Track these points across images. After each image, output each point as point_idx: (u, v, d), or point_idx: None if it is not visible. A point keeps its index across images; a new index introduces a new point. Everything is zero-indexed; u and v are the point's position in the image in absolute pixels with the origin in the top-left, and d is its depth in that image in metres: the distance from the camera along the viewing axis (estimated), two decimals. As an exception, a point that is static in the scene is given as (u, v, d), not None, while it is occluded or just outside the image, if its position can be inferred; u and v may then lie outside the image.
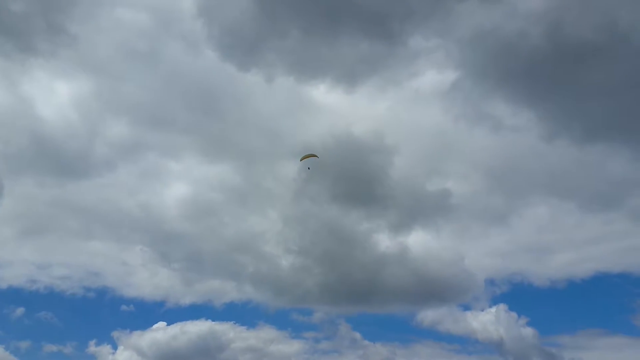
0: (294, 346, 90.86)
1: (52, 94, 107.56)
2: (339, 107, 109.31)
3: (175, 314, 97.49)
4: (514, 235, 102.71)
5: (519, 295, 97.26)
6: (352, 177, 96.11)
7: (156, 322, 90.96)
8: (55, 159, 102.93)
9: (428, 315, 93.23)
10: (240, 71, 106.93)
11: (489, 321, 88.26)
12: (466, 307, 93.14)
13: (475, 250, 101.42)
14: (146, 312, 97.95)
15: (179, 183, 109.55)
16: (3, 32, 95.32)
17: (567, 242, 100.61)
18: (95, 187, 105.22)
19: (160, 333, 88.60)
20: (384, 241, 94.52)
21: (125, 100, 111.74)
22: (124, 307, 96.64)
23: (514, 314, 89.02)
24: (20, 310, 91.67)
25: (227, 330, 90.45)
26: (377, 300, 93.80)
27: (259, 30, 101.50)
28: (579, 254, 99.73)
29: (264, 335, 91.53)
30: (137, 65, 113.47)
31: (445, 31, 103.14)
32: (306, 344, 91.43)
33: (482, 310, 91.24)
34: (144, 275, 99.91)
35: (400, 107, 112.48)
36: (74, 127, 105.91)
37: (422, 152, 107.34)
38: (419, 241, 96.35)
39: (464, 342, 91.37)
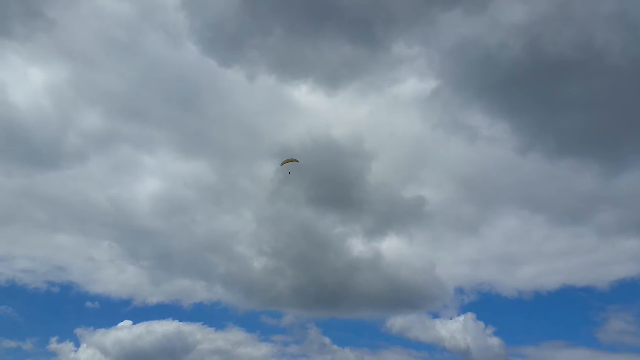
0: (262, 349, 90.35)
1: (26, 79, 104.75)
2: (319, 109, 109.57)
3: (142, 313, 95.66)
4: (484, 245, 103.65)
5: (486, 305, 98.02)
6: (329, 180, 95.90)
7: (121, 321, 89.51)
8: (25, 147, 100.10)
9: (397, 322, 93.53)
10: (221, 67, 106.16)
11: (456, 329, 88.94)
12: (435, 315, 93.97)
13: (447, 258, 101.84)
14: (111, 310, 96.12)
15: (152, 178, 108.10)
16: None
17: (535, 254, 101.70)
18: (64, 179, 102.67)
19: (125, 332, 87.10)
20: (358, 246, 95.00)
21: (101, 89, 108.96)
22: (88, 304, 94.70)
23: (481, 323, 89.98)
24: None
25: (194, 331, 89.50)
26: (347, 305, 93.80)
27: (241, 26, 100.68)
28: (547, 266, 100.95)
29: (232, 337, 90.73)
30: (116, 55, 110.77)
31: (427, 39, 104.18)
32: (274, 347, 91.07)
33: (451, 319, 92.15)
34: (110, 272, 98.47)
35: (380, 112, 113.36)
36: (46, 115, 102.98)
37: (400, 159, 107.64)
38: (392, 247, 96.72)
39: (432, 349, 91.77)
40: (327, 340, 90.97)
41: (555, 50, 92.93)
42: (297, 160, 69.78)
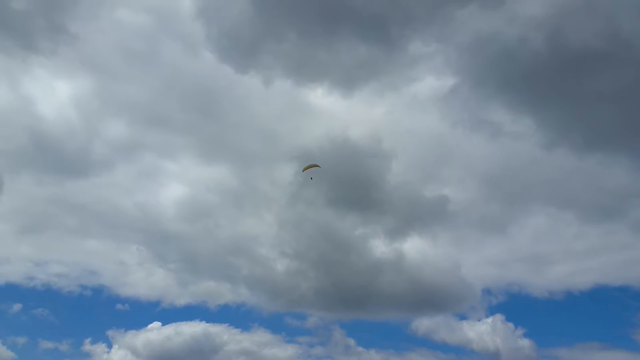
0: (288, 350, 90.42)
1: (52, 92, 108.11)
2: (336, 111, 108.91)
3: (170, 315, 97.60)
4: (511, 245, 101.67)
5: (516, 306, 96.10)
6: (349, 181, 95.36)
7: (151, 322, 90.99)
8: (54, 157, 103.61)
9: (423, 324, 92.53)
10: (237, 73, 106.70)
11: (485, 331, 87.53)
12: (462, 317, 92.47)
13: (472, 258, 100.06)
14: (141, 312, 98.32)
15: (176, 184, 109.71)
16: (4, 29, 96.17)
17: (565, 253, 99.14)
18: (93, 186, 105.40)
19: (155, 333, 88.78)
20: (380, 247, 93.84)
21: (123, 99, 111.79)
22: (119, 306, 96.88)
23: (510, 325, 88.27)
24: (17, 307, 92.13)
25: (221, 333, 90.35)
26: (372, 306, 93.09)
27: (256, 32, 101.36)
28: (578, 265, 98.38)
29: (257, 339, 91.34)
30: (136, 65, 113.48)
31: (444, 37, 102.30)
32: (300, 348, 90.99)
33: (479, 320, 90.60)
34: (139, 275, 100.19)
35: (398, 112, 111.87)
36: (73, 126, 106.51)
37: (420, 158, 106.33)
38: (415, 248, 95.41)
39: (459, 352, 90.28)
40: (351, 341, 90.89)
41: (578, 42, 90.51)
42: (318, 166, 69.94)
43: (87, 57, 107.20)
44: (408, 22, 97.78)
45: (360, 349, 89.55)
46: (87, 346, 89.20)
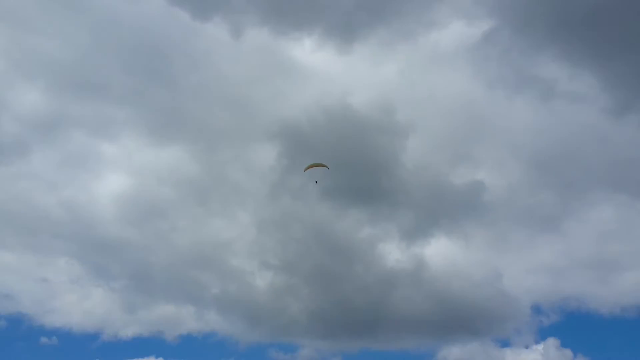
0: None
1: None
2: (330, 71, 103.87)
3: (114, 350, 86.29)
4: (569, 246, 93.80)
5: (575, 327, 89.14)
6: (351, 165, 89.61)
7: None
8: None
9: (453, 353, 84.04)
10: (196, 20, 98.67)
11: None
12: (505, 343, 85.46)
13: (517, 265, 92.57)
14: (75, 347, 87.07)
15: (116, 173, 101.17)
16: None
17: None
18: (1, 178, 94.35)
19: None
20: (394, 253, 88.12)
21: (39, 58, 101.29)
22: (44, 340, 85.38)
23: (568, 352, 80.00)
24: None
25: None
26: (384, 332, 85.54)
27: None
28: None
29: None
30: (56, 12, 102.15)
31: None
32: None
33: (527, 347, 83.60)
34: (71, 298, 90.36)
35: (415, 70, 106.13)
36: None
37: (445, 132, 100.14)
38: (440, 253, 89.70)
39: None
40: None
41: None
42: (326, 166, 64.72)
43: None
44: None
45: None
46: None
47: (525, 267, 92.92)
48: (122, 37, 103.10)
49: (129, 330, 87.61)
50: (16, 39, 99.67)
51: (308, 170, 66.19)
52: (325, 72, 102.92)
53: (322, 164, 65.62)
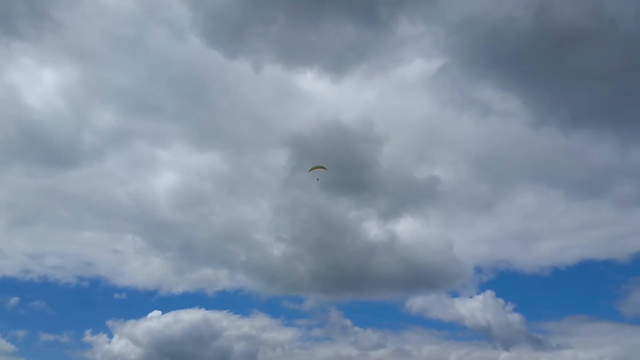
0: (287, 334, 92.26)
1: (39, 81, 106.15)
2: (327, 96, 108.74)
3: (168, 303, 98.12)
4: (500, 223, 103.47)
5: (505, 282, 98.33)
6: (342, 165, 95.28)
7: (149, 311, 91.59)
8: (44, 147, 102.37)
9: (417, 302, 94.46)
10: (227, 58, 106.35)
11: (476, 308, 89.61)
12: (454, 294, 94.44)
13: (464, 237, 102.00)
14: (139, 301, 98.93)
15: (169, 172, 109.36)
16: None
17: (553, 230, 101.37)
18: (84, 177, 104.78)
19: (155, 322, 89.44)
20: (373, 229, 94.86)
21: (111, 87, 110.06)
22: (117, 296, 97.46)
23: (501, 301, 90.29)
24: (15, 300, 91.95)
25: (220, 319, 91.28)
26: (367, 287, 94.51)
27: (243, 14, 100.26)
28: (565, 241, 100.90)
29: (257, 323, 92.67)
30: (123, 52, 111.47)
31: (432, 17, 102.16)
32: (298, 331, 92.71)
33: (471, 297, 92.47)
34: (136, 264, 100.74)
35: (389, 95, 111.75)
36: (61, 116, 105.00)
37: (411, 140, 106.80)
38: (407, 229, 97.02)
39: (452, 328, 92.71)
40: (348, 322, 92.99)
41: (564, 20, 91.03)
42: (325, 168, 70.14)
43: (72, 44, 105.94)
44: (396, 2, 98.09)
45: (357, 328, 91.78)
46: (88, 337, 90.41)
47: (470, 239, 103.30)
48: (172, 71, 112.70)
49: (179, 288, 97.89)
50: (92, 72, 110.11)
51: (312, 170, 71.29)
52: (322, 97, 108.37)
53: (322, 167, 70.48)
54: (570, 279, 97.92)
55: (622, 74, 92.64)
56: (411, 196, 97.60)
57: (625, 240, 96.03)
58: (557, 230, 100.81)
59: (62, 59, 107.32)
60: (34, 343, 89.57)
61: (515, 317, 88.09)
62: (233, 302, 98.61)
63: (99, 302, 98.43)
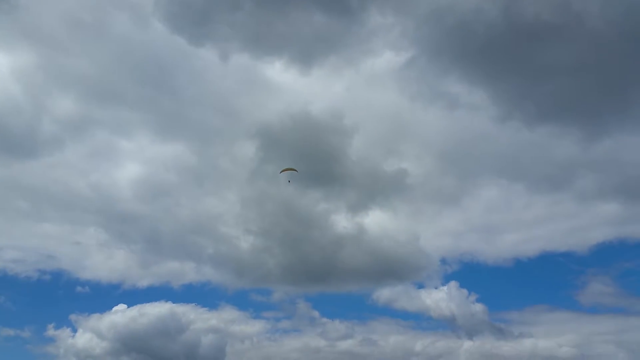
0: (255, 326, 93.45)
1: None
2: (296, 87, 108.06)
3: (133, 296, 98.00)
4: (465, 216, 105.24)
5: (469, 273, 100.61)
6: (310, 157, 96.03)
7: (114, 305, 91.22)
8: (0, 136, 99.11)
9: (384, 293, 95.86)
10: (191, 45, 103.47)
11: (441, 298, 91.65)
12: (420, 285, 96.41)
13: (430, 230, 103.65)
14: (103, 295, 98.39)
15: (132, 162, 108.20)
16: None
17: (515, 223, 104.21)
18: (43, 167, 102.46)
19: (119, 315, 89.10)
20: (342, 222, 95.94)
21: (71, 73, 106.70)
22: (79, 289, 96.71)
23: (464, 291, 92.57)
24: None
25: (187, 312, 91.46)
26: (335, 279, 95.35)
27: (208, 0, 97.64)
28: (527, 234, 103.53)
29: (225, 316, 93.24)
30: (83, 37, 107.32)
31: (402, 8, 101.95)
32: (267, 323, 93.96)
33: (436, 288, 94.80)
34: (99, 257, 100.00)
35: (358, 87, 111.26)
36: (17, 103, 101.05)
37: (380, 133, 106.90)
38: (375, 221, 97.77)
39: (418, 318, 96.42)
40: (316, 313, 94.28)
41: (532, 15, 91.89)
42: (295, 170, 69.81)
43: (28, 26, 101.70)
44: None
45: (324, 319, 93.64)
46: (51, 331, 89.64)
47: (435, 231, 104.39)
48: (135, 57, 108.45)
49: (144, 281, 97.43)
50: (52, 57, 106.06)
51: (283, 172, 70.17)
52: (291, 87, 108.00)
53: (293, 169, 69.59)
54: (531, 270, 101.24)
55: (587, 69, 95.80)
56: (380, 188, 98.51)
57: (584, 233, 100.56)
58: (519, 223, 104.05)
59: (17, 42, 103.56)
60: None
61: (479, 307, 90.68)
62: (200, 295, 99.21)
63: (61, 296, 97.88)
